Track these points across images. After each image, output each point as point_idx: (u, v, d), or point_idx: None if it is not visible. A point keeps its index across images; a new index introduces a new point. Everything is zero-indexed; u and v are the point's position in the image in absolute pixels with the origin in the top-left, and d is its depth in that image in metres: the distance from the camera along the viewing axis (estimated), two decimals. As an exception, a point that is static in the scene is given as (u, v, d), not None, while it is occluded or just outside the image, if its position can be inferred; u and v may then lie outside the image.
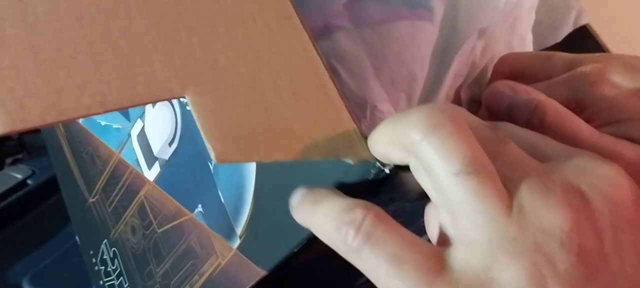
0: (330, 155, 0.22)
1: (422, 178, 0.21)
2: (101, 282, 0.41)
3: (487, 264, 0.19)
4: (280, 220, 0.27)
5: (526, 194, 0.19)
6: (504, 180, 0.19)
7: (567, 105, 0.29)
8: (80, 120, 0.40)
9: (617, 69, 0.28)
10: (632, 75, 0.28)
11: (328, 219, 0.21)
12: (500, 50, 0.38)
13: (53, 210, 0.48)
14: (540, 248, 0.18)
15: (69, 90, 0.19)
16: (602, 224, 0.19)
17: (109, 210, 0.39)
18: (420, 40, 0.32)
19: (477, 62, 0.37)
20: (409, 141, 0.20)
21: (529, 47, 0.40)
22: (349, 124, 0.23)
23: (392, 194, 0.25)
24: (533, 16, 0.40)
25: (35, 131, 0.44)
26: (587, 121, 0.27)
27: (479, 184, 0.19)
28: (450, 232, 0.20)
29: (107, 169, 0.38)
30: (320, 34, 0.31)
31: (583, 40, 0.47)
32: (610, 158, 0.25)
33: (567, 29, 0.46)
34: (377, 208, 0.21)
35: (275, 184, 0.27)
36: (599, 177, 0.20)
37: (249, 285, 0.29)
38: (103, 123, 0.38)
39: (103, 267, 0.40)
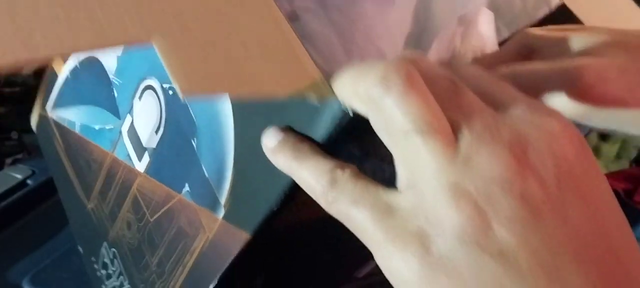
0: (295, 94, 0.23)
1: (381, 133, 0.22)
2: (103, 287, 0.42)
3: (431, 208, 0.20)
4: (259, 180, 0.28)
5: (473, 143, 0.20)
6: (455, 128, 0.21)
7: (518, 55, 0.31)
8: (76, 129, 0.42)
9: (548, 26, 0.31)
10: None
11: (312, 176, 0.24)
12: (475, 40, 0.39)
13: (53, 210, 0.49)
14: (482, 192, 0.20)
15: (44, 46, 0.20)
16: (544, 174, 0.20)
17: (106, 212, 0.40)
18: (385, 20, 0.34)
19: (459, 51, 0.38)
20: (367, 98, 0.22)
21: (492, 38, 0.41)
22: (312, 70, 0.24)
23: (363, 144, 0.26)
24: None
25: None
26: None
27: (425, 141, 0.20)
28: (403, 182, 0.22)
29: (102, 171, 0.39)
30: (288, 18, 0.33)
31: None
32: (577, 74, 0.26)
33: (545, 9, 0.47)
34: (353, 169, 0.23)
35: (253, 146, 0.28)
36: (544, 131, 0.21)
37: (236, 252, 0.30)
38: (97, 127, 0.40)
39: (104, 271, 0.41)
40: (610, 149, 0.91)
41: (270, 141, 0.25)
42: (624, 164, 0.95)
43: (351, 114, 0.24)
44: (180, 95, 0.21)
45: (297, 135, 0.25)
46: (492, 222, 0.19)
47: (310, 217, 0.30)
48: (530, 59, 0.31)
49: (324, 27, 0.32)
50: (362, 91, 0.22)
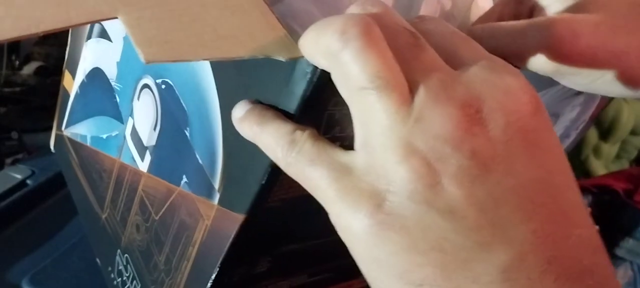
0: (260, 54, 0.23)
1: (340, 88, 0.22)
2: (121, 296, 0.42)
3: (382, 166, 0.21)
4: (247, 158, 0.28)
5: (428, 102, 0.20)
6: (412, 85, 0.21)
7: (515, 6, 0.30)
8: (88, 142, 0.43)
9: None
10: None
11: (273, 139, 0.24)
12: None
13: (52, 211, 0.50)
14: (432, 150, 0.20)
15: (6, 18, 0.21)
16: (494, 132, 0.20)
17: (118, 219, 0.40)
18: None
19: (447, 9, 0.38)
20: (328, 53, 0.22)
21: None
22: (279, 30, 0.24)
23: (329, 106, 0.25)
24: None
25: (36, 130, 0.47)
26: (531, 10, 0.29)
27: (379, 98, 0.20)
28: (359, 140, 0.22)
29: (112, 179, 0.40)
30: (272, 1, 0.33)
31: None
32: (550, 28, 0.26)
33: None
34: (312, 131, 0.24)
35: None
36: (499, 88, 0.21)
37: (233, 235, 0.29)
38: (104, 136, 0.41)
39: (120, 279, 0.42)
40: (610, 149, 0.89)
41: (238, 112, 0.26)
42: (624, 164, 0.93)
43: (320, 69, 0.23)
44: (144, 61, 0.21)
45: (264, 105, 0.26)
46: (441, 179, 0.20)
47: (303, 192, 0.29)
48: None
49: (307, 4, 0.32)
50: (323, 45, 0.21)
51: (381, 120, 0.20)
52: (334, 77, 0.22)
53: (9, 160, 0.58)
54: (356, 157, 0.22)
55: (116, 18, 0.22)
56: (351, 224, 0.21)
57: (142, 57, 0.21)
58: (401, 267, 0.20)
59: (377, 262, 0.21)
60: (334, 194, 0.22)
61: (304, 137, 0.23)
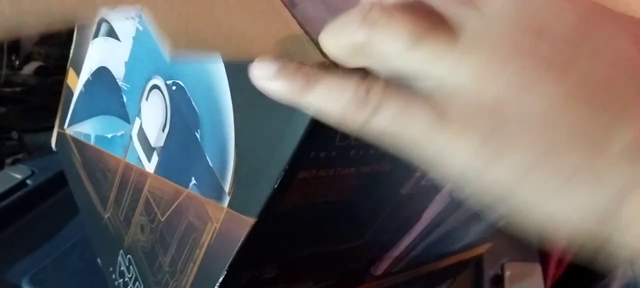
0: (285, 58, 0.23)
1: (382, 68, 0.22)
2: (122, 297, 0.42)
3: (474, 92, 0.20)
4: (259, 161, 0.28)
5: (480, 26, 0.20)
6: (454, 25, 0.21)
7: None
8: (92, 141, 0.42)
9: None
10: None
11: (335, 95, 0.22)
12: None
13: (52, 211, 0.49)
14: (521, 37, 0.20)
15: (33, 11, 0.21)
16: (558, 29, 0.20)
17: (121, 219, 0.40)
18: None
19: None
20: (357, 43, 0.21)
21: None
22: (298, 32, 0.24)
23: None
24: None
25: (36, 130, 0.47)
26: None
27: (428, 47, 0.20)
28: (430, 90, 0.21)
29: (116, 179, 0.40)
30: (287, 6, 0.33)
31: None
32: None
33: None
34: (381, 82, 0.22)
35: (252, 126, 0.28)
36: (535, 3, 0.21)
37: (243, 239, 0.29)
38: (109, 135, 0.40)
39: (121, 279, 0.41)
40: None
41: (266, 69, 0.22)
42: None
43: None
44: (169, 54, 0.21)
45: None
46: (540, 72, 0.19)
47: (314, 198, 0.30)
48: None
49: (320, 11, 0.32)
50: (349, 40, 0.22)
51: (442, 53, 0.20)
52: (369, 66, 0.22)
53: (9, 160, 0.58)
54: (444, 100, 0.20)
55: (139, 5, 0.22)
56: (463, 157, 0.20)
57: (167, 52, 0.21)
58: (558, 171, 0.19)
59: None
60: (443, 138, 0.20)
61: (379, 86, 0.21)
